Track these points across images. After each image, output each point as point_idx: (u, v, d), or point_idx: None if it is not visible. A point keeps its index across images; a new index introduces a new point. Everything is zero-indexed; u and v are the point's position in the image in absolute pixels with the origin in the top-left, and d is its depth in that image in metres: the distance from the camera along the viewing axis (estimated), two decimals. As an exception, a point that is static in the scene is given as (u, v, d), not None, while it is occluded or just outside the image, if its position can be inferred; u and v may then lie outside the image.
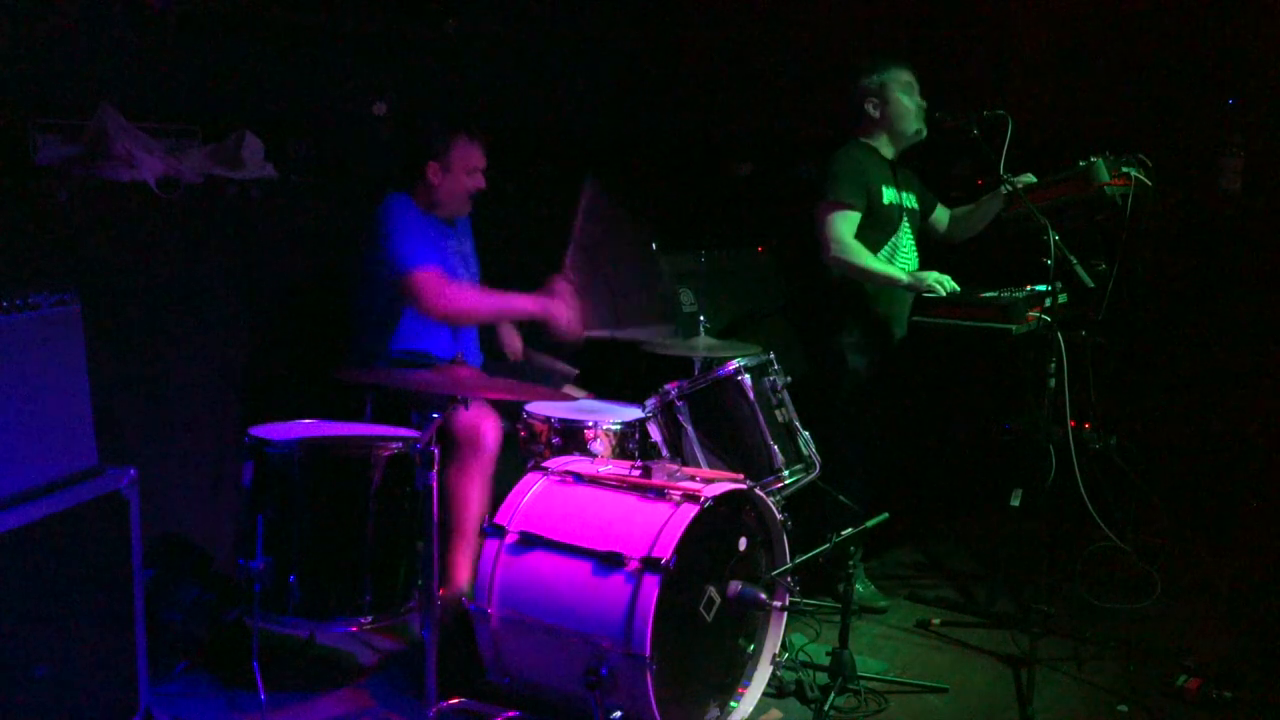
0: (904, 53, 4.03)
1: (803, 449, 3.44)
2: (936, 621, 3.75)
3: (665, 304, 4.42)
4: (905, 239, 4.00)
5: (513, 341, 4.05)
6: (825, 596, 3.72)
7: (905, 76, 3.93)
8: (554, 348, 3.82)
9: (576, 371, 3.91)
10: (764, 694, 3.10)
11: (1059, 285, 3.50)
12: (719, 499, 2.86)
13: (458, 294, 3.53)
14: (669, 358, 3.69)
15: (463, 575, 3.34)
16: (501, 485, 3.34)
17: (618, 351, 3.95)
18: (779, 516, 3.05)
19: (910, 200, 4.06)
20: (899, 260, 3.96)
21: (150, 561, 3.03)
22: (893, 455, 4.07)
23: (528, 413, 3.51)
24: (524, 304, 3.62)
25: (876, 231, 3.90)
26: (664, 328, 4.03)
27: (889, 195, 3.94)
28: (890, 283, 3.85)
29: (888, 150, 4.00)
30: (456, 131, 3.66)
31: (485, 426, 3.40)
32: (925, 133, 3.95)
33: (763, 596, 2.93)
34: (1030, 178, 3.81)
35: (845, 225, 3.82)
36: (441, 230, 3.70)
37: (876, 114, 3.96)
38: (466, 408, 3.20)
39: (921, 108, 3.94)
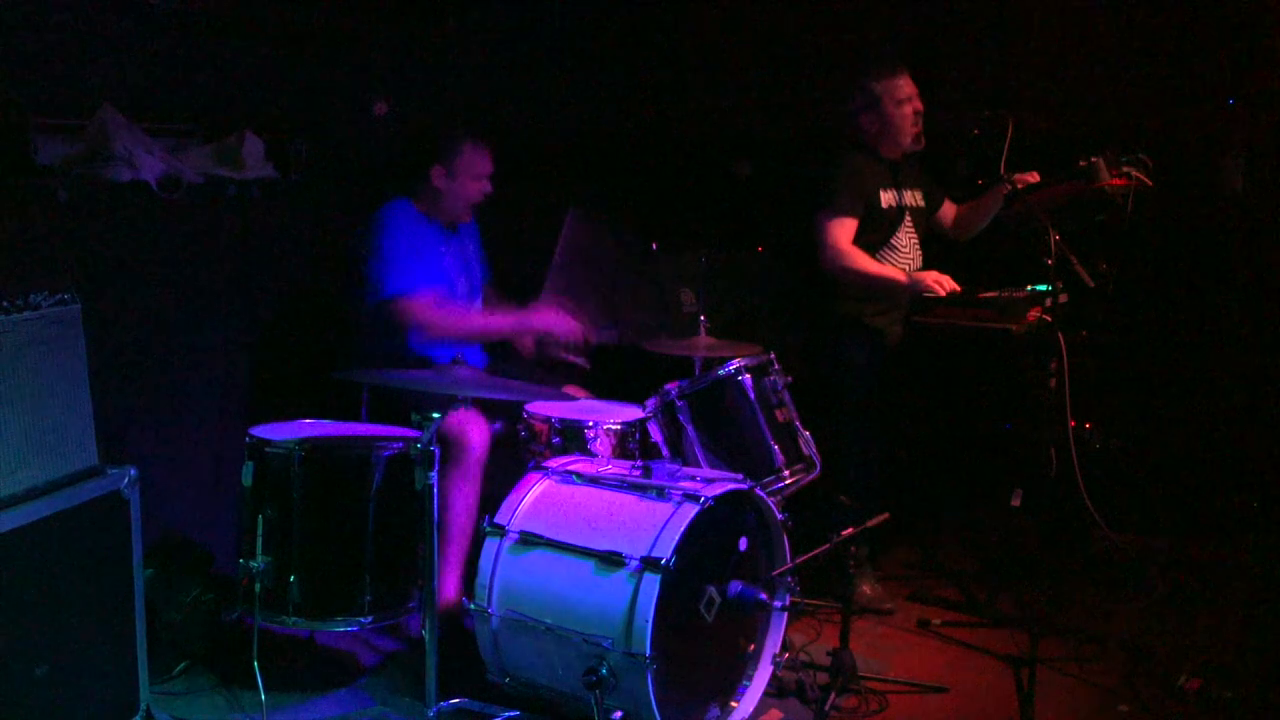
0: (902, 59, 4.01)
1: (803, 449, 3.44)
2: (936, 621, 3.75)
3: (664, 304, 4.40)
4: (906, 238, 4.00)
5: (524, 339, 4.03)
6: (826, 596, 3.72)
7: (901, 89, 3.90)
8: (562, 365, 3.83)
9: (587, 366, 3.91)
10: (764, 694, 3.10)
11: (1059, 285, 3.50)
12: (719, 499, 2.86)
13: (446, 319, 3.52)
14: (669, 358, 3.69)
15: (449, 581, 3.32)
16: (501, 485, 3.34)
17: (618, 351, 3.94)
18: (779, 516, 3.05)
19: (915, 197, 4.06)
20: (898, 260, 3.97)
21: (150, 561, 3.03)
22: (893, 455, 4.06)
23: (528, 413, 3.50)
24: (515, 321, 3.63)
25: (872, 234, 3.91)
26: (658, 326, 3.99)
27: (888, 198, 3.96)
28: (889, 285, 3.86)
29: (888, 153, 4.00)
30: (463, 137, 3.64)
31: (471, 429, 3.37)
32: (923, 141, 3.95)
33: (763, 596, 2.93)
34: (1033, 177, 3.81)
35: (842, 233, 3.85)
36: (441, 236, 3.69)
37: (872, 127, 3.96)
38: (468, 408, 3.20)
39: (919, 114, 3.93)
